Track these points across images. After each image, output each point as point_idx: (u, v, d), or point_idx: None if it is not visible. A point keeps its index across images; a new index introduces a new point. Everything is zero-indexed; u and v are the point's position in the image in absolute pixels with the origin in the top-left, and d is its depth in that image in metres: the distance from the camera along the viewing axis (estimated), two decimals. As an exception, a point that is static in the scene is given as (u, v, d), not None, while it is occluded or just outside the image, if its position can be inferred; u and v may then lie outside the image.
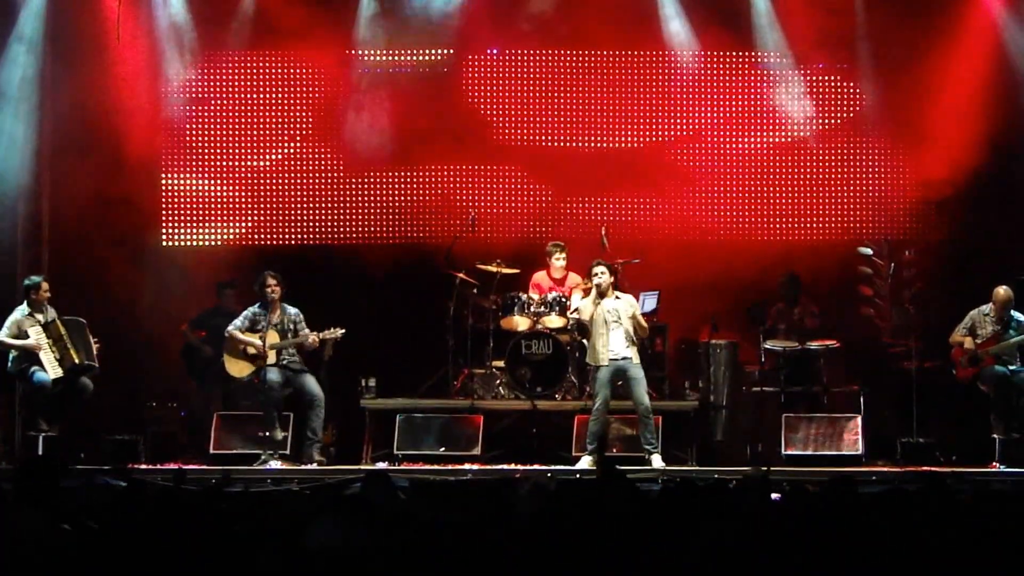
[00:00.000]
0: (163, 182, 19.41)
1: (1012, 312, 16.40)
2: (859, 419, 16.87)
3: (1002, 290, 16.46)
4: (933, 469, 15.70)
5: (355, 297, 18.46)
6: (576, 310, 16.77)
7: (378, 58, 19.30)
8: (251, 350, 16.47)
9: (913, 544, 6.78)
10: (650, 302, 17.08)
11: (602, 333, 15.93)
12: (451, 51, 19.29)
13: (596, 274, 16.02)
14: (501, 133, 19.44)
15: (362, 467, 16.32)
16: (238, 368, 16.59)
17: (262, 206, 19.46)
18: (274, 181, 19.44)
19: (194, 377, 18.33)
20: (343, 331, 16.62)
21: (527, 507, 8.30)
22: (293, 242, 19.40)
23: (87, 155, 18.51)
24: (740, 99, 19.28)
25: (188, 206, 19.46)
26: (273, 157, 19.44)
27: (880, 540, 6.89)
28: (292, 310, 16.66)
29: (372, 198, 19.45)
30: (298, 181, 19.42)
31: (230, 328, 16.57)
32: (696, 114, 19.35)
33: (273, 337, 16.50)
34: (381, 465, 16.52)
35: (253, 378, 16.54)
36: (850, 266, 18.50)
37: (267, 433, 16.47)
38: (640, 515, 7.63)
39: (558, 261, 17.77)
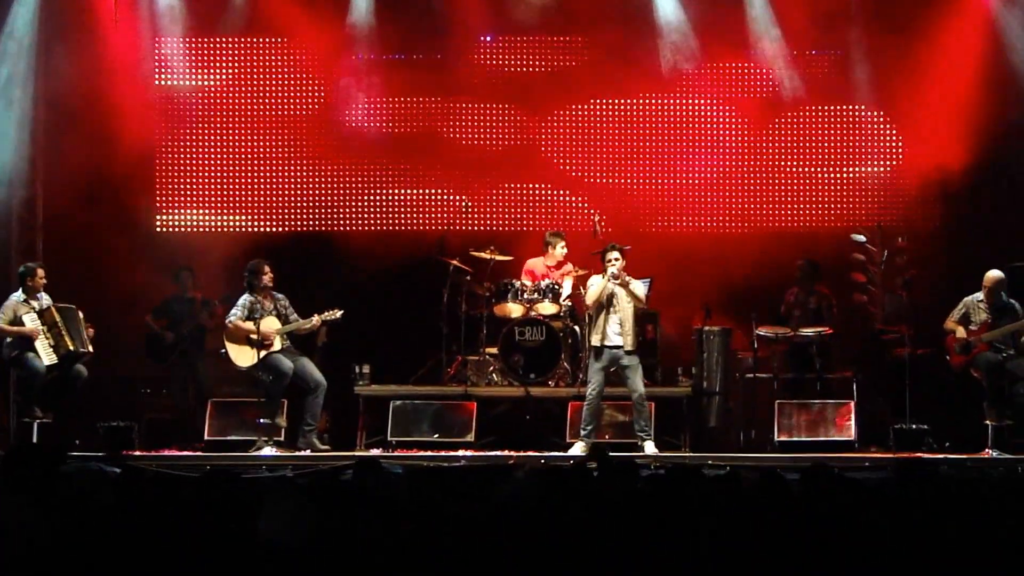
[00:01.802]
0: (158, 168, 19.43)
1: (1005, 298, 16.40)
2: (852, 405, 16.91)
3: (993, 273, 16.44)
4: (923, 455, 15.76)
5: (349, 284, 18.49)
6: (568, 297, 16.80)
7: (373, 44, 19.29)
8: (255, 337, 16.42)
9: (895, 533, 6.82)
10: (642, 289, 17.08)
11: (600, 318, 15.93)
12: (446, 37, 19.29)
13: (611, 260, 15.96)
14: (494, 122, 19.46)
15: (356, 454, 16.34)
16: (245, 357, 16.51)
17: (256, 193, 19.49)
18: (268, 168, 19.47)
19: (158, 362, 18.29)
20: (342, 312, 16.61)
21: (521, 493, 8.32)
22: (287, 229, 19.42)
23: (81, 141, 18.50)
24: (733, 86, 19.31)
25: (183, 193, 19.49)
26: (267, 144, 19.46)
27: (858, 528, 6.93)
28: (279, 295, 16.68)
29: (366, 185, 19.47)
30: (292, 168, 19.45)
31: (231, 319, 16.49)
32: (688, 103, 19.37)
33: (274, 323, 16.50)
34: (375, 452, 16.54)
35: (259, 366, 16.50)
36: (843, 253, 18.50)
37: (271, 420, 16.48)
38: (630, 501, 7.66)
39: (563, 250, 17.78)
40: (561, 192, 19.43)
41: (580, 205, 19.25)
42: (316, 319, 16.55)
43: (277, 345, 16.47)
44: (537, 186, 19.45)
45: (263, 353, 16.40)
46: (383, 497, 7.95)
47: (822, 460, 11.62)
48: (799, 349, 17.60)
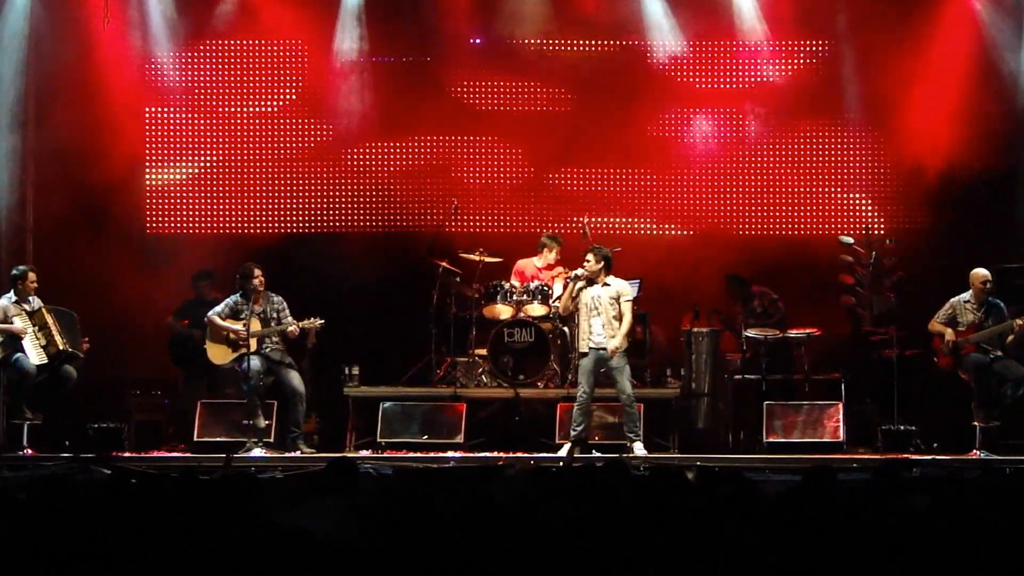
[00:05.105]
0: (147, 170, 19.45)
1: (991, 299, 16.40)
2: (840, 407, 16.91)
3: (979, 271, 16.43)
4: (912, 456, 15.80)
5: (339, 286, 18.51)
6: (557, 299, 16.89)
7: (362, 47, 19.31)
8: (232, 336, 16.49)
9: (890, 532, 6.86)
10: (632, 290, 17.13)
11: (584, 320, 15.97)
12: (436, 40, 19.33)
13: (585, 262, 16.06)
14: (485, 123, 19.49)
15: (345, 455, 16.34)
16: (219, 354, 16.60)
17: (246, 194, 19.51)
18: (258, 170, 19.49)
19: (182, 367, 18.34)
20: (322, 321, 16.63)
21: (513, 494, 8.35)
22: (277, 230, 19.45)
23: (72, 143, 18.51)
24: (722, 88, 19.36)
25: (172, 194, 19.51)
26: (257, 146, 19.48)
27: (859, 528, 6.95)
28: (276, 298, 16.68)
29: (356, 187, 19.51)
30: (281, 170, 19.47)
31: (210, 314, 16.60)
32: (679, 106, 19.42)
33: (256, 325, 16.51)
34: (364, 453, 16.56)
35: (234, 365, 16.55)
36: (831, 255, 18.54)
37: (250, 421, 16.50)
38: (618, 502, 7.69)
39: (558, 255, 17.82)
40: (551, 194, 19.45)
41: (570, 207, 19.25)
42: (294, 326, 16.53)
43: (253, 347, 16.46)
44: (527, 188, 19.48)
45: (237, 353, 16.44)
46: (361, 497, 7.99)
47: (823, 462, 11.76)
48: (787, 350, 17.64)
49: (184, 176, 19.49)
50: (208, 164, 19.52)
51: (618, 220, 19.30)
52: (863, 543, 6.75)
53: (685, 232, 19.35)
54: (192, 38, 19.37)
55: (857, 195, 19.28)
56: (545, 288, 17.58)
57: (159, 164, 19.50)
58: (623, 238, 18.19)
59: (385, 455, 16.39)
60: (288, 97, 19.51)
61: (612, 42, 19.26)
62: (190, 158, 19.51)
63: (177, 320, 18.29)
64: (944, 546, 6.68)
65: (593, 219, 18.59)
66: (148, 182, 19.46)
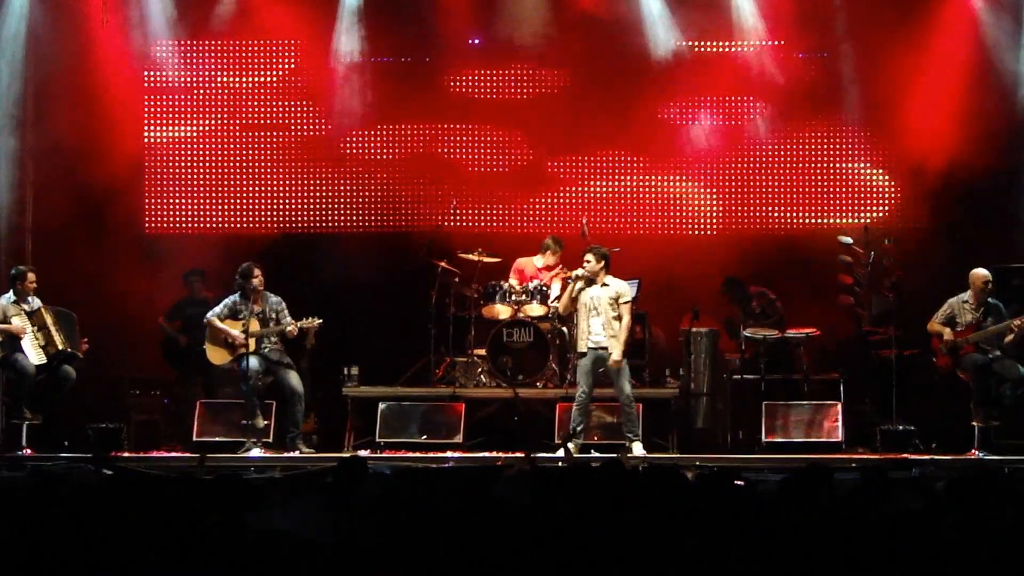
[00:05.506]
0: (146, 170, 19.45)
1: (991, 299, 16.39)
2: (839, 407, 16.93)
3: (979, 271, 16.42)
4: (911, 456, 15.81)
5: (338, 285, 18.50)
6: (556, 299, 16.90)
7: (362, 47, 19.32)
8: (230, 340, 16.47)
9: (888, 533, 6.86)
10: (631, 291, 17.12)
11: (583, 320, 15.97)
12: (434, 40, 19.32)
13: (585, 262, 16.04)
14: (483, 119, 19.50)
15: (344, 455, 16.33)
16: (218, 355, 16.61)
17: (246, 194, 19.51)
18: (257, 169, 19.49)
19: (175, 367, 18.37)
20: (320, 321, 16.63)
21: (512, 494, 8.35)
22: (276, 230, 19.44)
23: (71, 143, 18.52)
24: (722, 88, 19.36)
25: (171, 194, 19.51)
26: (256, 145, 19.48)
27: (854, 528, 6.96)
28: (274, 298, 16.67)
29: (354, 186, 19.51)
30: (280, 169, 19.48)
31: (209, 316, 16.59)
32: (676, 103, 19.42)
33: (255, 325, 16.51)
34: (363, 453, 16.55)
35: (233, 365, 16.55)
36: (830, 254, 18.53)
37: (249, 421, 16.50)
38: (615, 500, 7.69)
39: (558, 259, 17.84)
40: (549, 194, 19.47)
41: (569, 207, 19.27)
42: (293, 326, 16.53)
43: (251, 347, 16.45)
44: (525, 185, 19.48)
45: (235, 354, 16.43)
46: (368, 497, 7.99)
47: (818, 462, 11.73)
48: (786, 350, 17.64)
49: (183, 175, 19.49)
50: (208, 163, 19.52)
51: (617, 218, 19.30)
52: (854, 542, 6.75)
53: (684, 232, 19.34)
54: (191, 37, 19.37)
55: (856, 195, 19.28)
56: (544, 288, 17.58)
57: (158, 163, 19.50)
58: (622, 237, 18.19)
59: (384, 455, 16.39)
60: (287, 97, 19.50)
61: (611, 42, 19.21)
62: (189, 157, 19.51)
63: (169, 321, 18.33)
64: (941, 547, 6.68)
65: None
66: (147, 181, 19.46)
